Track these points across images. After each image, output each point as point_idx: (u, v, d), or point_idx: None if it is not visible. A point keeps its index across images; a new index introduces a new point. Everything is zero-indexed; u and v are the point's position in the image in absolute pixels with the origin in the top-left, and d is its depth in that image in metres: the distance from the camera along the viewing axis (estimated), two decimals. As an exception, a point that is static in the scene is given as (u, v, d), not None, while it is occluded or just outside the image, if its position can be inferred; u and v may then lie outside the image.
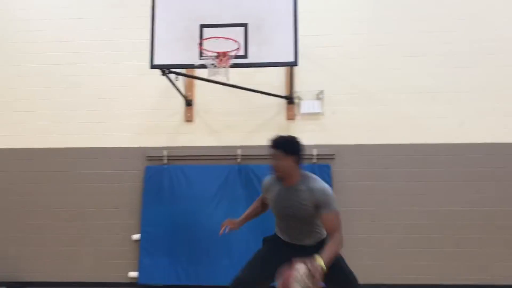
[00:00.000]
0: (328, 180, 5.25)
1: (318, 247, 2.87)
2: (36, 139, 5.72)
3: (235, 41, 4.26)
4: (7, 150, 5.74)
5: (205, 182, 5.38)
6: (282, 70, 5.52)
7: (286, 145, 3.00)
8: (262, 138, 5.40)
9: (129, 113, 5.70)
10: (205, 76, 4.64)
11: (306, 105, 5.49)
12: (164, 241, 5.30)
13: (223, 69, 4.28)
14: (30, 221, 5.58)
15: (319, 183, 2.97)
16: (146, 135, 5.64)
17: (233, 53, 4.27)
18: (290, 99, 5.47)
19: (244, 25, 4.38)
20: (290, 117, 5.53)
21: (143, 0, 4.89)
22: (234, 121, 5.56)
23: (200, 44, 4.32)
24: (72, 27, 5.93)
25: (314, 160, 5.34)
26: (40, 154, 5.69)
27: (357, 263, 5.12)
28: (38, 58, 5.89)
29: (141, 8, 5.43)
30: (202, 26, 4.39)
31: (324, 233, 3.06)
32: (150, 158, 5.55)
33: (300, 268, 2.59)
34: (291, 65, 4.57)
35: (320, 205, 2.89)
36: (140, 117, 5.68)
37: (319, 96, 5.50)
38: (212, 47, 4.29)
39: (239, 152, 5.42)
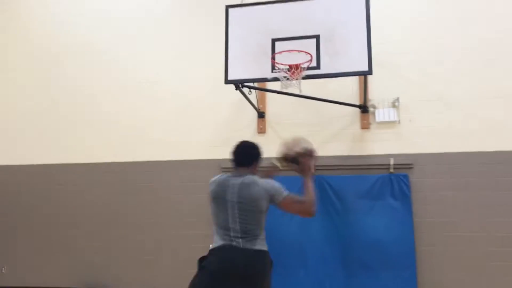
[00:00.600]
0: (407, 190, 5.08)
1: None
2: (116, 153, 6.09)
3: (307, 53, 4.26)
4: (89, 164, 6.13)
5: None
6: (355, 78, 5.44)
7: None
8: (336, 148, 5.42)
9: (204, 126, 5.90)
10: (278, 88, 4.69)
11: (381, 114, 5.35)
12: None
13: (296, 81, 4.30)
14: (113, 231, 5.93)
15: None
16: (221, 147, 5.77)
17: (305, 65, 4.28)
18: (364, 108, 5.36)
19: (316, 37, 4.38)
20: (364, 126, 5.42)
21: (217, 17, 5.06)
22: (307, 131, 5.50)
23: (273, 57, 4.38)
24: (148, 43, 6.30)
25: (391, 170, 5.18)
26: (120, 168, 6.05)
27: (438, 278, 4.97)
28: (115, 76, 6.31)
29: (214, 24, 5.66)
30: (274, 40, 4.45)
31: None
32: (225, 170, 5.66)
33: None
34: (365, 74, 4.49)
35: None
36: (214, 130, 5.86)
37: (395, 104, 5.34)
38: (284, 60, 4.33)
39: (313, 162, 5.39)
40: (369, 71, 4.32)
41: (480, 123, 5.15)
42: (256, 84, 5.15)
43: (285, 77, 4.31)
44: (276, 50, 4.40)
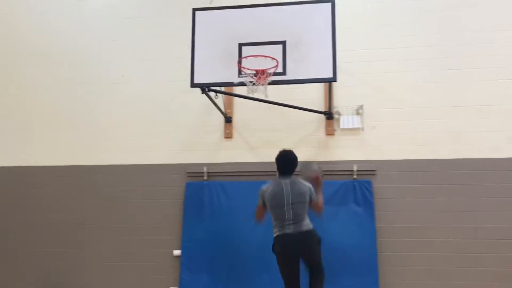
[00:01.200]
0: (370, 196, 5.17)
1: None
2: (80, 157, 5.93)
3: (274, 58, 4.29)
4: (49, 167, 5.96)
5: (245, 198, 5.37)
6: (321, 85, 5.51)
7: None
8: (301, 154, 5.41)
9: (169, 130, 5.83)
10: (244, 93, 4.69)
11: (345, 120, 5.44)
12: (204, 257, 5.33)
13: (262, 86, 4.31)
14: (73, 236, 5.75)
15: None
16: (186, 152, 5.74)
17: (271, 71, 4.31)
18: (329, 115, 5.44)
19: (283, 43, 4.42)
20: (329, 132, 5.49)
21: (184, 20, 5.03)
22: (273, 137, 5.57)
23: (239, 62, 4.38)
24: (112, 46, 6.18)
25: (355, 176, 5.26)
26: (83, 171, 5.89)
27: (399, 281, 5.06)
28: (81, 78, 6.16)
29: (182, 27, 5.62)
30: (241, 45, 4.46)
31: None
32: (191, 175, 5.63)
33: None
34: (330, 81, 4.55)
35: None
36: (180, 134, 5.80)
37: (359, 111, 5.44)
38: (251, 65, 4.35)
39: (278, 168, 5.41)
40: (334, 78, 4.38)
41: (441, 131, 5.31)
42: (223, 89, 5.13)
43: (251, 82, 4.32)
44: (243, 55, 4.41)
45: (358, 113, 5.45)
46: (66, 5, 6.42)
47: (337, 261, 4.93)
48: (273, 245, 4.07)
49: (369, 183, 5.23)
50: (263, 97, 4.52)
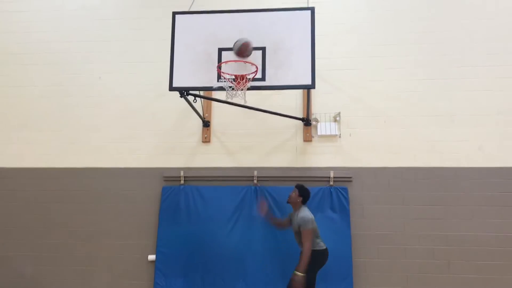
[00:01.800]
0: (346, 203, 5.22)
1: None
2: (54, 159, 5.82)
3: (253, 64, 4.30)
4: (25, 169, 5.84)
5: (222, 203, 5.38)
6: (299, 92, 5.56)
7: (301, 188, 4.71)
8: (279, 160, 5.49)
9: (146, 133, 5.78)
10: (223, 98, 4.69)
11: (323, 127, 5.49)
12: (179, 262, 5.28)
13: (241, 91, 4.32)
14: (46, 240, 5.63)
15: (303, 212, 4.52)
16: (163, 156, 5.69)
17: (251, 76, 4.32)
18: (307, 121, 5.48)
19: (262, 49, 4.42)
20: (307, 139, 5.53)
21: (163, 23, 5.00)
22: (251, 142, 5.59)
23: (219, 67, 4.38)
24: (92, 48, 6.10)
25: (331, 183, 5.31)
26: (57, 174, 5.77)
27: (373, 287, 5.13)
28: (57, 79, 6.06)
29: (161, 31, 5.59)
30: (221, 50, 4.45)
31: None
32: (167, 179, 5.58)
33: None
34: (308, 87, 4.58)
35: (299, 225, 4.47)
36: (157, 138, 5.75)
37: (336, 118, 5.50)
38: (230, 70, 4.35)
39: (255, 173, 5.42)
40: (312, 85, 4.41)
41: (416, 140, 5.42)
42: (201, 93, 5.11)
43: (230, 87, 4.32)
44: (223, 60, 4.41)
45: (335, 120, 5.52)
46: (43, 6, 6.31)
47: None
48: (319, 255, 4.46)
49: (345, 189, 5.29)
50: (242, 103, 4.52)
